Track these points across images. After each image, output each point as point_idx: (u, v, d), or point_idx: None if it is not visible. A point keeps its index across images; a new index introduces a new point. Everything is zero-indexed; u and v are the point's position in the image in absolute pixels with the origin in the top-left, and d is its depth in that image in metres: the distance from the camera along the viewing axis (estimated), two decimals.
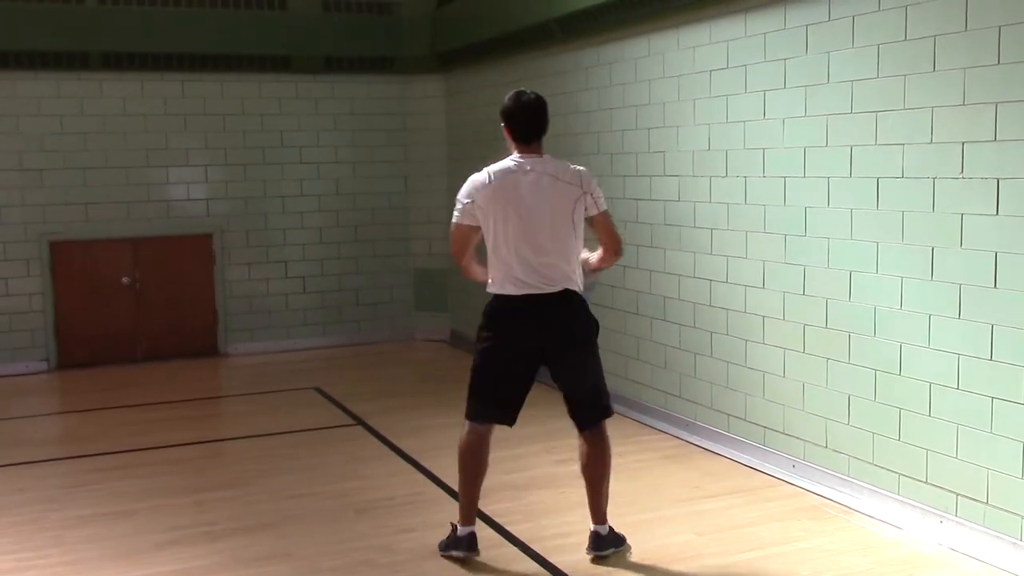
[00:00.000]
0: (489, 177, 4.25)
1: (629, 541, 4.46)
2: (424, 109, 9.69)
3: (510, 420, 4.37)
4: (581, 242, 4.32)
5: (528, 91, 4.34)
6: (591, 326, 4.35)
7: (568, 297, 4.26)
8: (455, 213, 4.32)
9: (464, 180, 4.31)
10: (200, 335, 9.18)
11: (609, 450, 4.38)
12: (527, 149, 4.28)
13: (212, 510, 5.08)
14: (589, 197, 4.26)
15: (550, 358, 4.30)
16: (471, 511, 4.42)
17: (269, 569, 4.33)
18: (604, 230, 4.34)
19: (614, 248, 4.37)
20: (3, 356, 8.53)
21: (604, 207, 4.32)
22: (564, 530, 4.67)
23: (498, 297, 4.28)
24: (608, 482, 4.40)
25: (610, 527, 4.42)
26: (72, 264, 8.75)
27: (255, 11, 8.90)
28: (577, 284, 4.29)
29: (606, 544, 4.38)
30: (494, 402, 4.32)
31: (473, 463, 4.35)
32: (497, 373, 4.29)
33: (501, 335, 4.28)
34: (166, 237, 9.01)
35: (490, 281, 4.31)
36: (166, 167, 8.96)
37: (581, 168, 4.32)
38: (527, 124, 4.28)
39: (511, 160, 4.28)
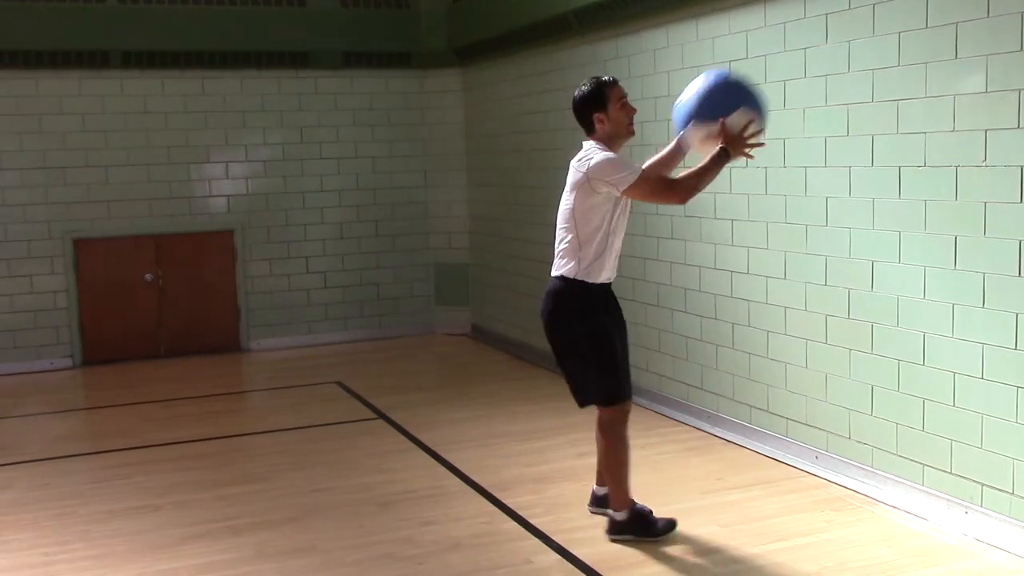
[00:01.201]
0: None
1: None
2: (442, 103, 9.70)
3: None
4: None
5: (584, 83, 4.39)
6: None
7: None
8: (631, 175, 4.15)
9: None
10: (222, 331, 9.24)
11: (603, 436, 4.45)
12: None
13: (236, 504, 5.11)
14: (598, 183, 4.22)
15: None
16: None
17: (293, 563, 4.36)
18: (644, 198, 4.35)
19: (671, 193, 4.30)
20: (28, 353, 8.60)
21: (625, 184, 4.18)
22: (586, 522, 4.67)
23: (593, 285, 4.32)
24: (610, 466, 4.45)
25: (635, 512, 4.45)
26: (95, 261, 8.81)
27: (273, 7, 8.94)
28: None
29: (619, 529, 4.45)
30: (627, 376, 4.46)
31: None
32: (621, 350, 4.44)
33: (608, 317, 4.39)
34: (188, 234, 9.06)
35: (591, 261, 4.29)
36: (187, 164, 9.01)
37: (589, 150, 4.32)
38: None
39: None
